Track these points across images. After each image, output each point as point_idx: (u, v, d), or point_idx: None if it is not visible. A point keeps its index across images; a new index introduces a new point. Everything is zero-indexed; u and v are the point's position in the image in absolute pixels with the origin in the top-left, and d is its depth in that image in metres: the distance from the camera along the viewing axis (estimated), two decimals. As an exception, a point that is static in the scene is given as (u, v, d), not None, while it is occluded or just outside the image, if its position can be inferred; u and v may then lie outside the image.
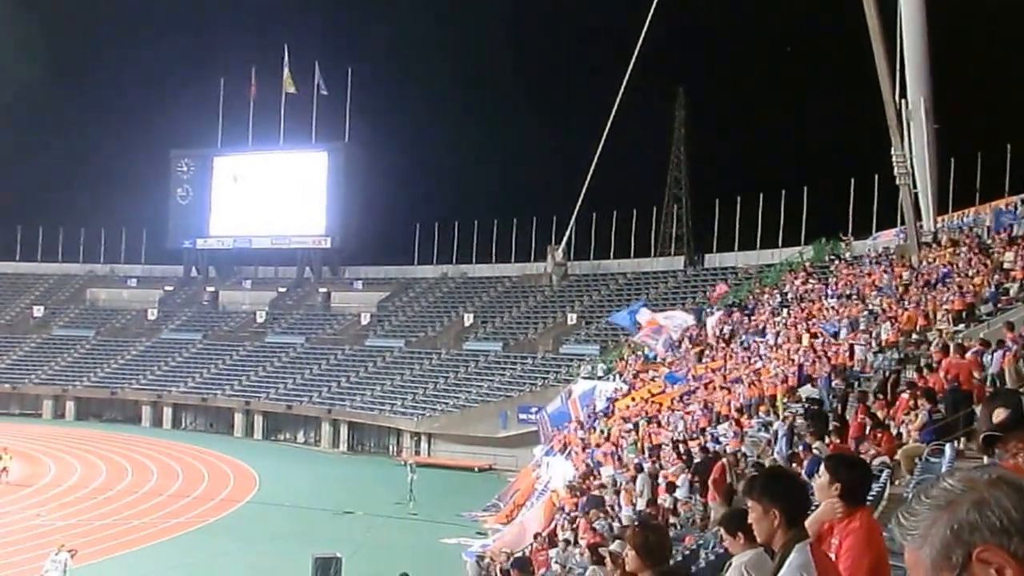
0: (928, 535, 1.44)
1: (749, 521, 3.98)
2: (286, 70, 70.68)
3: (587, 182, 51.56)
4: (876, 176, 44.86)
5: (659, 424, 26.16)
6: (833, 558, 4.03)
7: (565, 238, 60.82)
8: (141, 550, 27.72)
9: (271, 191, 72.00)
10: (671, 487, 17.96)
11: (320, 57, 70.01)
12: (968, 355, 14.95)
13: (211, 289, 73.76)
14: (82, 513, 32.56)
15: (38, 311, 73.19)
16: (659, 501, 17.88)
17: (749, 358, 28.62)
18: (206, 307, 72.80)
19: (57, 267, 77.98)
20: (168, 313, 72.24)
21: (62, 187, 76.50)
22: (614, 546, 10.61)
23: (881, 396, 16.46)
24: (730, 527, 4.63)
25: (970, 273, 21.82)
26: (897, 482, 12.44)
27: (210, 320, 70.95)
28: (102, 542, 28.42)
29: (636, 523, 11.54)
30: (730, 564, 4.71)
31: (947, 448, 11.99)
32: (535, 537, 21.16)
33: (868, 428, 14.33)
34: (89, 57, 78.42)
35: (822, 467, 4.30)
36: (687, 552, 13.67)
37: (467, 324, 61.63)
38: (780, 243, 53.56)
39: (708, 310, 42.73)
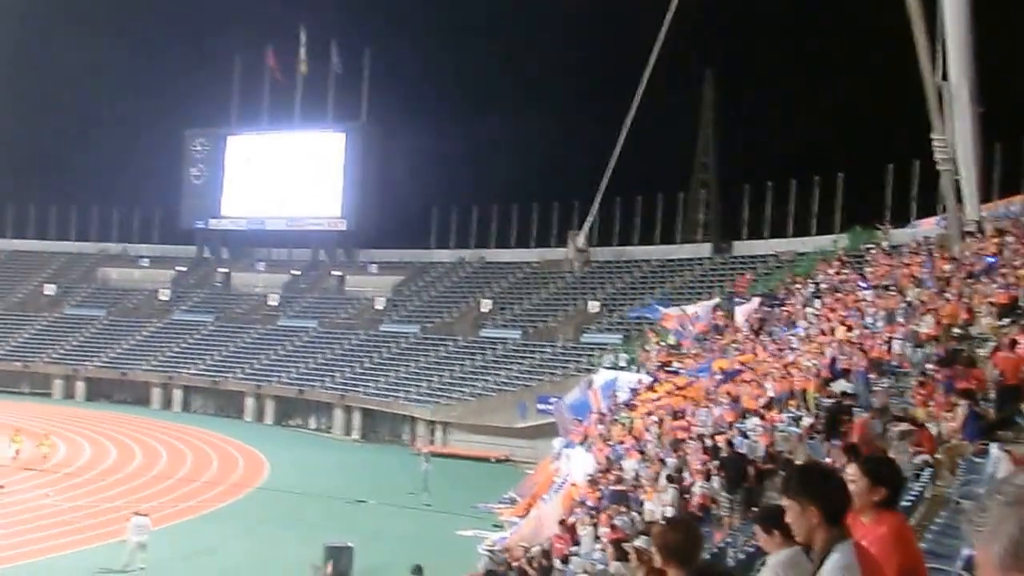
0: (997, 533, 1.41)
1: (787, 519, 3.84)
2: (302, 51, 70.55)
3: (611, 165, 51.06)
4: (916, 162, 44.00)
5: (684, 418, 25.76)
6: None
7: (587, 223, 60.38)
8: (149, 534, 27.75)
9: (286, 171, 72.04)
10: (708, 476, 17.54)
11: (337, 36, 69.86)
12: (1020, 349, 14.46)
13: (223, 270, 73.93)
14: (91, 495, 32.87)
15: (50, 289, 73.67)
16: (687, 495, 17.53)
17: (779, 350, 28.16)
18: (218, 289, 72.94)
19: (70, 245, 78.53)
20: (180, 294, 72.45)
21: (76, 164, 76.95)
22: (639, 542, 10.38)
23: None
24: (766, 524, 4.48)
25: (1016, 264, 21.24)
26: (939, 483, 12.08)
27: (222, 302, 71.05)
28: (110, 524, 28.58)
29: (664, 520, 11.23)
30: (764, 563, 4.59)
31: (993, 447, 11.58)
32: (560, 524, 20.91)
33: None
34: (104, 34, 78.53)
35: (855, 470, 4.15)
36: (715, 550, 13.33)
37: (485, 310, 61.32)
38: (813, 231, 52.64)
39: (738, 300, 42.24)
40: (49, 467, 35.83)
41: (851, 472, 4.18)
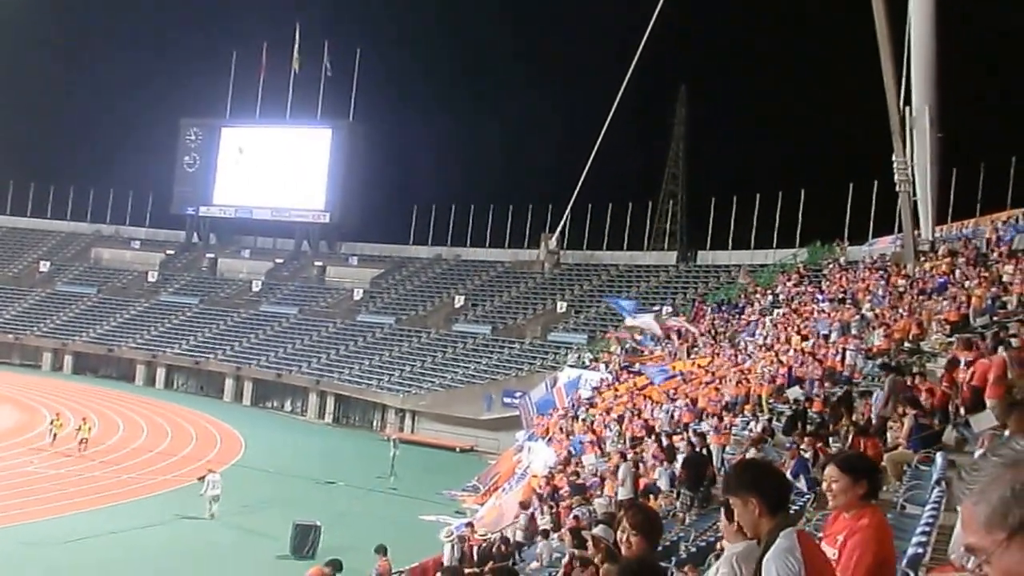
0: (986, 492, 1.38)
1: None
2: (295, 49, 70.02)
3: (585, 172, 50.65)
4: (875, 182, 43.94)
5: (641, 416, 25.46)
6: (836, 555, 3.96)
7: (560, 227, 59.98)
8: (126, 504, 27.51)
9: (275, 164, 71.42)
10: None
11: (330, 36, 69.42)
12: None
13: (210, 256, 73.22)
14: (73, 463, 32.33)
15: (44, 266, 73.11)
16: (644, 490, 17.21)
17: (737, 356, 27.95)
18: (204, 273, 72.23)
19: (65, 225, 78.05)
20: (168, 276, 71.76)
21: (75, 147, 76.38)
22: (597, 530, 10.17)
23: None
24: (728, 512, 4.21)
25: (967, 284, 21.08)
26: (885, 488, 11.84)
27: (207, 286, 70.31)
28: (89, 493, 28.39)
29: (631, 503, 11.03)
30: (718, 555, 4.84)
31: (938, 456, 11.32)
32: (520, 510, 20.57)
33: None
34: (108, 22, 77.71)
35: (834, 470, 4.14)
36: (666, 544, 13.02)
37: (457, 306, 60.90)
38: (774, 244, 52.41)
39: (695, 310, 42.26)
40: (88, 454, 34.10)
41: (831, 473, 4.15)
